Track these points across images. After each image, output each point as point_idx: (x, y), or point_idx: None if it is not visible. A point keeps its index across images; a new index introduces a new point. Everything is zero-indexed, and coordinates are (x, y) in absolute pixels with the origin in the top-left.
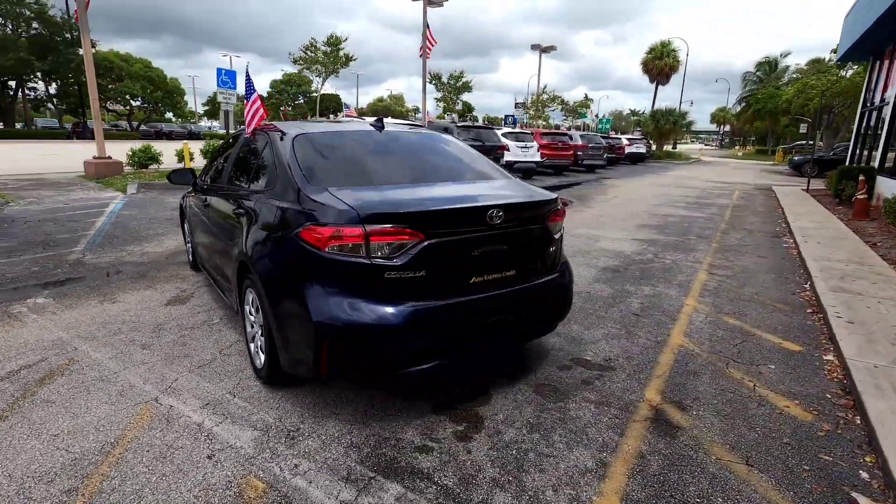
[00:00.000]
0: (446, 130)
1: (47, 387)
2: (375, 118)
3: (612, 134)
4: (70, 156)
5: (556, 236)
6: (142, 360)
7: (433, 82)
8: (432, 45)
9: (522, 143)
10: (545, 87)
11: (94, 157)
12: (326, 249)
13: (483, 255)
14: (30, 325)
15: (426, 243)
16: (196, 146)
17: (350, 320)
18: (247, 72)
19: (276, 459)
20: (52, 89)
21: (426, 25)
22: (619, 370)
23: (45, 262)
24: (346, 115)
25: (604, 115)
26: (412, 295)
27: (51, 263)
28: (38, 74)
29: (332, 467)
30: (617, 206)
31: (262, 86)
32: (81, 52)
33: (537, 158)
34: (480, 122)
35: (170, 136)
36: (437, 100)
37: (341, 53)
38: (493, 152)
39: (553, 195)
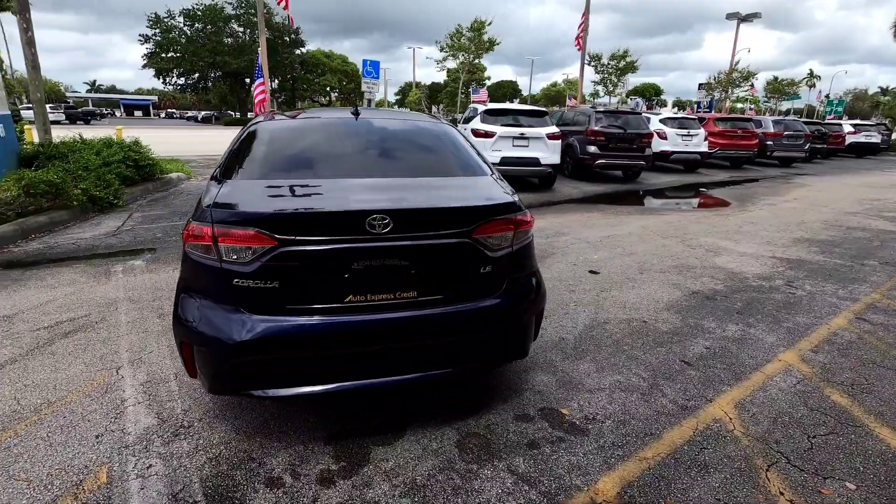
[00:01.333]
0: (583, 116)
1: (64, 341)
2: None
3: (831, 119)
4: None
5: (497, 254)
6: (146, 329)
7: (591, 63)
8: (584, 29)
9: (685, 131)
10: (737, 62)
11: None
12: (187, 247)
13: (368, 271)
14: (110, 284)
15: (280, 251)
16: None
17: (200, 327)
18: (257, 55)
19: (141, 455)
20: (274, 84)
21: (588, 7)
22: (592, 438)
23: (172, 230)
24: (475, 101)
25: (838, 96)
26: (267, 308)
27: (174, 231)
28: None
29: (172, 480)
30: (785, 211)
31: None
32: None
33: (703, 149)
34: (670, 107)
35: None
36: (595, 83)
37: (485, 38)
38: (636, 142)
39: (500, 201)
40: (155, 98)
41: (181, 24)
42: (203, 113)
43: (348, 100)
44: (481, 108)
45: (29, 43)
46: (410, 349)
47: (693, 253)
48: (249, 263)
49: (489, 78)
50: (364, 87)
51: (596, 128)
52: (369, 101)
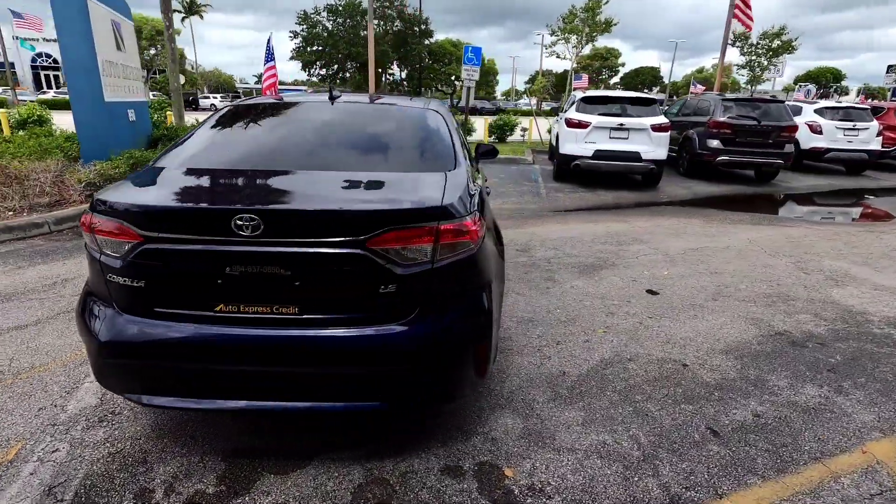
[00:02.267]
0: (706, 105)
1: None
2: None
3: None
4: None
5: (408, 271)
6: None
7: (736, 44)
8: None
9: (849, 124)
10: None
11: None
12: (84, 236)
13: (242, 278)
14: None
15: (144, 247)
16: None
17: (82, 319)
18: (268, 41)
19: (57, 437)
20: (402, 74)
21: None
22: None
23: None
24: (577, 88)
25: None
26: (135, 308)
27: None
28: (395, 63)
29: (61, 470)
30: None
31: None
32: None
33: (873, 146)
34: (854, 95)
35: (480, 112)
36: (740, 66)
37: (599, 18)
38: (773, 135)
39: (412, 206)
40: (305, 88)
41: (324, 20)
42: None
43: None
44: (580, 95)
45: (170, 39)
46: (292, 374)
47: (804, 279)
48: (118, 258)
49: (623, 65)
50: (464, 75)
51: (721, 118)
52: (468, 88)
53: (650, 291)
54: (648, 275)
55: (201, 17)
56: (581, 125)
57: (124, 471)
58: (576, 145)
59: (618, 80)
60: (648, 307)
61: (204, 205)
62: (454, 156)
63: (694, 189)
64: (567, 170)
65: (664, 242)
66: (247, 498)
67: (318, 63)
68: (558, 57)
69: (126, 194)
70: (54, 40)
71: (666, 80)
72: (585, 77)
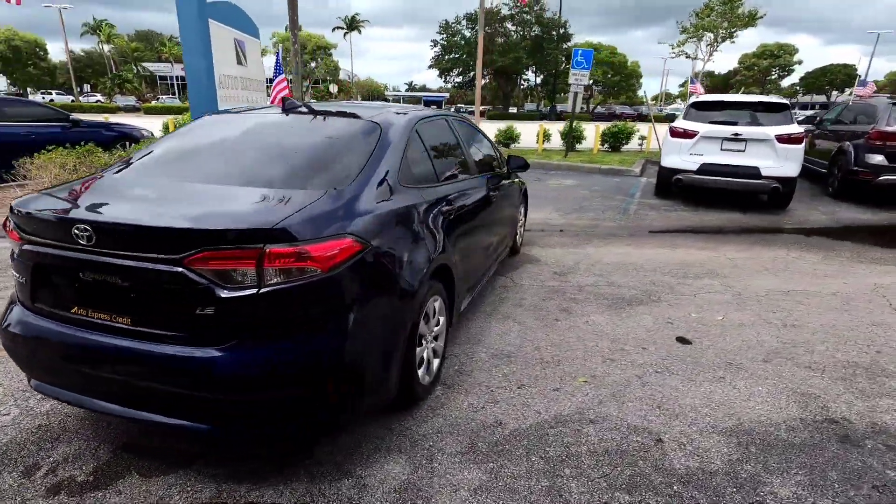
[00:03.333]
0: (868, 111)
1: None
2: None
3: None
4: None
5: (231, 294)
6: None
7: None
8: None
9: None
10: None
11: None
12: None
13: (92, 285)
14: None
15: (22, 248)
16: (595, 126)
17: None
18: (277, 57)
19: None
20: (538, 80)
21: None
22: None
23: None
24: (692, 92)
25: None
26: (23, 302)
27: None
28: (531, 69)
29: None
30: None
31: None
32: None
33: None
34: None
35: (619, 118)
36: None
37: (741, 11)
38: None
39: (234, 226)
40: (447, 95)
41: (464, 28)
42: (483, 108)
43: (610, 93)
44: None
45: (296, 53)
46: (128, 383)
47: (864, 335)
48: (12, 256)
49: (800, 62)
50: (571, 79)
51: (887, 128)
52: (575, 94)
53: (681, 339)
54: (695, 318)
55: (360, 31)
56: (687, 135)
57: (35, 444)
58: (678, 158)
59: (796, 82)
60: (665, 358)
61: (51, 214)
62: (358, 174)
63: (838, 215)
64: (668, 185)
65: (746, 280)
66: (100, 493)
67: (453, 70)
68: (687, 57)
69: (25, 200)
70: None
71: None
72: (698, 83)
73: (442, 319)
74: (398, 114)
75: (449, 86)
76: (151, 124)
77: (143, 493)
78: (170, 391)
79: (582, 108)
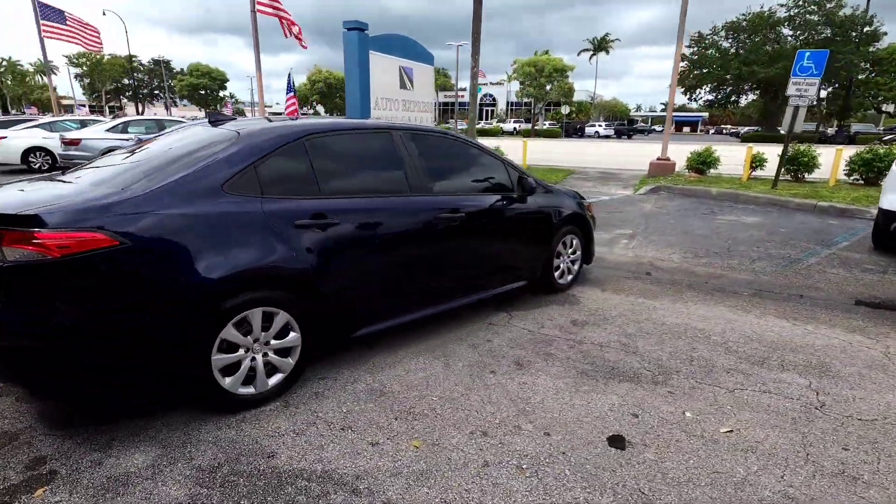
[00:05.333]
0: None
1: None
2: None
3: None
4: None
5: None
6: None
7: None
8: None
9: None
10: None
11: (658, 158)
12: None
13: None
14: None
15: None
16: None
17: None
18: (289, 76)
19: None
20: (823, 93)
21: None
22: None
23: None
24: None
25: None
26: None
27: None
28: None
29: None
30: None
31: None
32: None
33: None
34: None
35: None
36: None
37: None
38: None
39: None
40: (705, 115)
41: (720, 39)
42: (744, 129)
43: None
44: None
45: (473, 76)
46: None
47: None
48: None
49: None
50: (791, 90)
51: None
52: (796, 108)
53: (616, 441)
54: (683, 419)
55: (607, 52)
56: None
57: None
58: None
59: None
60: (554, 457)
61: None
62: (163, 179)
63: None
64: (885, 235)
65: (863, 390)
66: None
67: (702, 87)
68: None
69: None
70: (498, 83)
71: None
72: None
73: (294, 335)
74: (283, 126)
75: (694, 104)
76: None
77: None
78: None
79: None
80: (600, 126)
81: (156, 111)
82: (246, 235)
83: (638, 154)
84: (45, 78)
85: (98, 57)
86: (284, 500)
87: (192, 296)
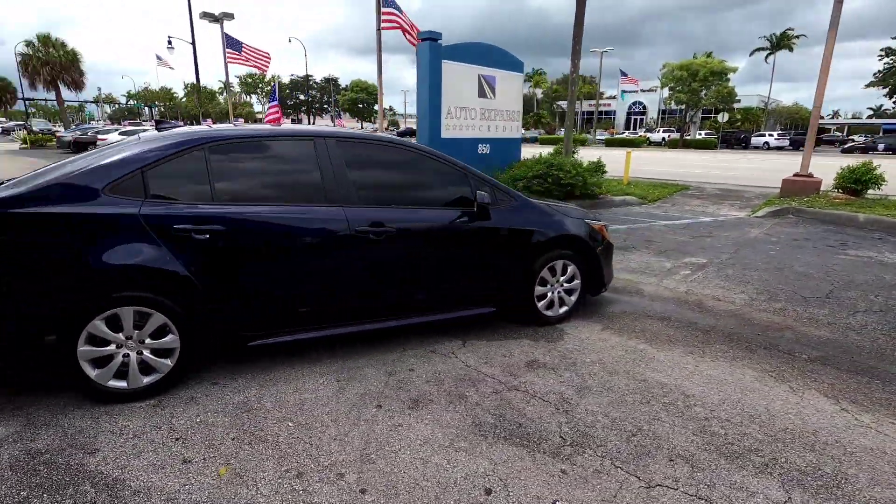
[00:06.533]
0: None
1: None
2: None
3: None
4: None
5: None
6: None
7: None
8: None
9: None
10: None
11: (795, 175)
12: None
13: None
14: None
15: None
16: None
17: None
18: (274, 86)
19: None
20: None
21: None
22: None
23: None
24: None
25: None
26: None
27: None
28: None
29: None
30: None
31: None
32: None
33: None
34: None
35: None
36: None
37: None
38: None
39: None
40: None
41: None
42: None
43: None
44: None
45: (572, 83)
46: None
47: None
48: None
49: None
50: None
51: None
52: None
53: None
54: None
55: (790, 49)
56: None
57: None
58: None
59: None
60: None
61: None
62: (45, 176)
63: None
64: None
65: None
66: None
67: None
68: None
69: None
70: (650, 90)
71: None
72: None
73: (172, 336)
74: (186, 134)
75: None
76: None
77: None
78: None
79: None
80: (771, 136)
81: (325, 122)
82: (118, 237)
83: (787, 170)
84: (221, 95)
85: (261, 76)
86: (57, 499)
87: (58, 288)
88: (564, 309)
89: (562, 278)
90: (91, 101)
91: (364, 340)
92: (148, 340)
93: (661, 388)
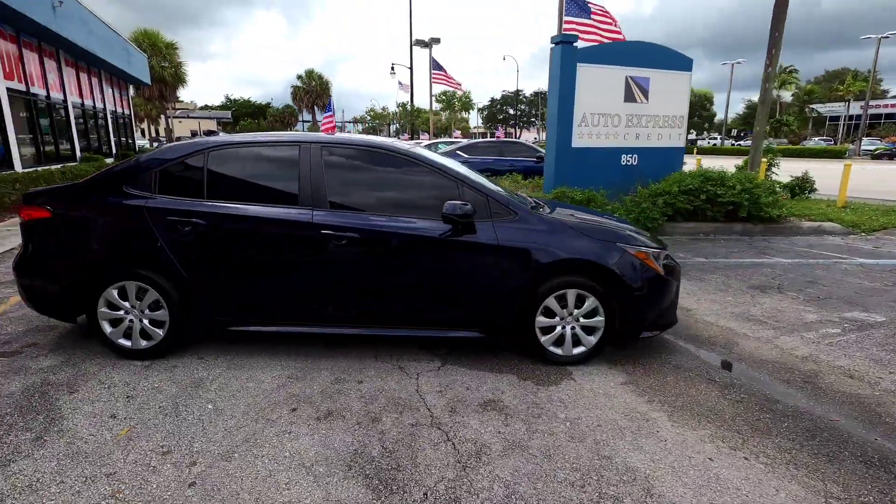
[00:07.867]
0: None
1: None
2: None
3: None
4: None
5: None
6: None
7: None
8: None
9: None
10: None
11: None
12: None
13: None
14: None
15: None
16: None
17: None
18: (330, 100)
19: None
20: None
21: None
22: None
23: None
24: None
25: None
26: None
27: None
28: None
29: None
30: None
31: None
32: None
33: None
34: None
35: None
36: None
37: None
38: None
39: None
40: None
41: None
42: None
43: None
44: None
45: (766, 80)
46: None
47: None
48: None
49: None
50: None
51: None
52: None
53: None
54: None
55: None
56: None
57: None
58: None
59: None
60: None
61: None
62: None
63: None
64: None
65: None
66: None
67: None
68: None
69: None
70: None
71: None
72: None
73: (162, 311)
74: (199, 140)
75: None
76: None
77: None
78: None
79: None
80: None
81: (526, 136)
82: (127, 224)
83: None
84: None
85: (453, 93)
86: (27, 419)
87: (85, 260)
88: (581, 350)
89: (576, 311)
90: (349, 122)
91: (354, 343)
92: (146, 311)
93: (620, 475)
